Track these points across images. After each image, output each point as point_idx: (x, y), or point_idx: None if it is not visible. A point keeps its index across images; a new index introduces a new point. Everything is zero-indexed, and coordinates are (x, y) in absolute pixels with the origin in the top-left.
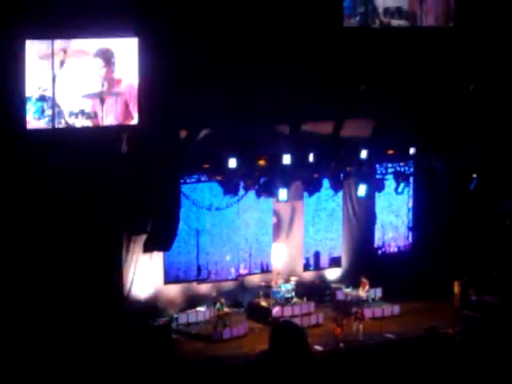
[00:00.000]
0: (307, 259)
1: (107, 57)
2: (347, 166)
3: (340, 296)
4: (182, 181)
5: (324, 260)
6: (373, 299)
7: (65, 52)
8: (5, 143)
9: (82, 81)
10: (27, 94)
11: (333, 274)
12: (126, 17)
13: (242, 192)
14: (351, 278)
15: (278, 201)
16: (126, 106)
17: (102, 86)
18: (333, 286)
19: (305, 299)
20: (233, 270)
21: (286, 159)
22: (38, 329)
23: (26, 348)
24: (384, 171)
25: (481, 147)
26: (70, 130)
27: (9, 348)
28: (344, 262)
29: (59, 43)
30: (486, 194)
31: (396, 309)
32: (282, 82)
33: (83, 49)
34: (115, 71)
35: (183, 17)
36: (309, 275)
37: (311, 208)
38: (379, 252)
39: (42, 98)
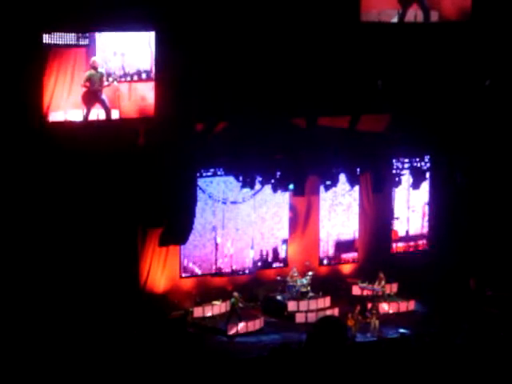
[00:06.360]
0: (323, 254)
1: None
2: (363, 160)
3: (356, 291)
4: (198, 174)
5: (340, 255)
6: (388, 294)
7: None
8: (24, 136)
9: None
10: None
11: (349, 268)
12: (144, 10)
13: (258, 186)
14: (367, 273)
15: (294, 195)
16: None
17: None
18: (349, 280)
19: (320, 294)
20: (248, 265)
21: (303, 153)
22: (53, 322)
23: (42, 339)
24: (401, 166)
25: (498, 142)
26: (88, 123)
27: (26, 338)
28: (360, 256)
29: None
30: (503, 191)
31: (411, 304)
32: (299, 77)
33: None
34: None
35: (201, 10)
36: (325, 270)
37: (327, 203)
38: (395, 247)
39: None
